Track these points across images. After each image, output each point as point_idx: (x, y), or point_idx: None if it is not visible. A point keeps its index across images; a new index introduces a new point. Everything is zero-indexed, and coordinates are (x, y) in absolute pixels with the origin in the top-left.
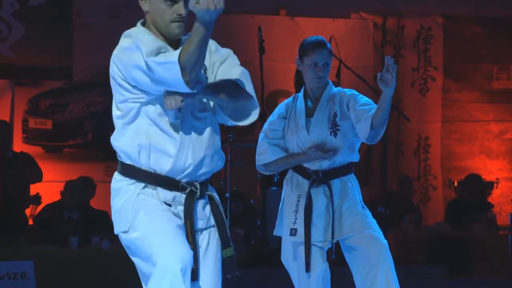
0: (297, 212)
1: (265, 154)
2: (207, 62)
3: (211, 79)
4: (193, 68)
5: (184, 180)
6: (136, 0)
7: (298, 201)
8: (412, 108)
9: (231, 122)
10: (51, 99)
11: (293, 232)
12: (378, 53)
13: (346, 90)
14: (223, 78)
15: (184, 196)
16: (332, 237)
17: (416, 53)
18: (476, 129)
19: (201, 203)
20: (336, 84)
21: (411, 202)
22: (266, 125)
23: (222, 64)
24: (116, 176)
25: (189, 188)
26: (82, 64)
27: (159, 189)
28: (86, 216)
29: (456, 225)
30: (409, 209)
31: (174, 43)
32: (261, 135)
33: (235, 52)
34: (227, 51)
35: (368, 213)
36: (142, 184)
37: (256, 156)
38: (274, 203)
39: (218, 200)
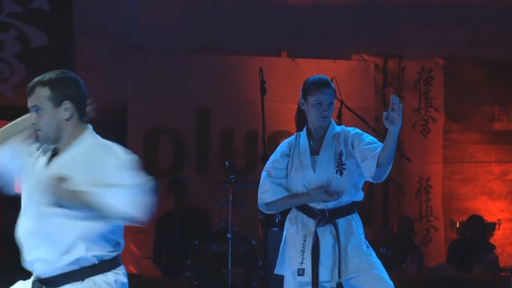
0: (304, 252)
1: (267, 193)
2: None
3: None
4: None
5: None
6: (139, 42)
7: (305, 240)
8: (413, 149)
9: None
10: None
11: (301, 272)
12: (379, 94)
13: (349, 128)
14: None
15: None
16: (339, 277)
17: (417, 94)
18: (478, 170)
19: None
20: (338, 125)
21: (413, 243)
22: (269, 164)
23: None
24: None
25: None
26: None
27: None
28: None
29: (458, 266)
30: (411, 250)
31: None
32: (263, 174)
33: (236, 93)
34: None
35: (373, 253)
36: None
37: (259, 195)
38: (275, 243)
39: None
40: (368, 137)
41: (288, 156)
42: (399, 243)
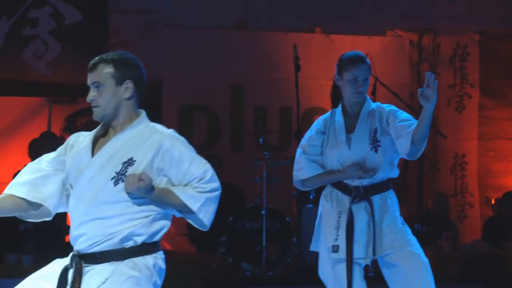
0: (339, 228)
1: (303, 170)
2: (146, 157)
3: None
4: None
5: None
6: (173, 19)
7: (339, 217)
8: (448, 126)
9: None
10: (88, 116)
11: (335, 249)
12: (414, 71)
13: (385, 105)
14: (183, 199)
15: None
16: (374, 254)
17: (452, 70)
18: None
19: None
20: (372, 101)
21: (448, 219)
22: (304, 141)
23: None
24: None
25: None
26: None
27: None
28: None
29: (493, 243)
30: (446, 227)
31: None
32: (298, 150)
33: (271, 70)
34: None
35: (408, 229)
36: None
37: (294, 172)
38: (310, 220)
39: None
40: (403, 114)
41: (324, 133)
42: (434, 219)
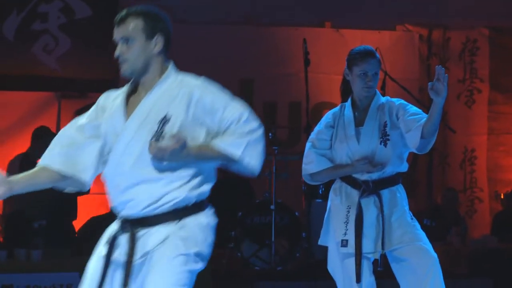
0: (348, 223)
1: (312, 164)
2: (180, 112)
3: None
4: None
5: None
6: (183, 14)
7: (348, 212)
8: (458, 120)
9: None
10: None
11: (344, 243)
12: (423, 65)
13: (394, 99)
14: (222, 149)
15: None
16: (382, 248)
17: (462, 65)
18: None
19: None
20: (382, 96)
21: (458, 214)
22: (313, 134)
23: (225, 131)
24: None
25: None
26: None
27: None
28: None
29: (503, 237)
30: (455, 222)
31: None
32: (308, 144)
33: (280, 65)
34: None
35: (417, 224)
36: None
37: (303, 165)
38: (319, 215)
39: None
40: (413, 108)
41: (333, 127)
42: (443, 214)
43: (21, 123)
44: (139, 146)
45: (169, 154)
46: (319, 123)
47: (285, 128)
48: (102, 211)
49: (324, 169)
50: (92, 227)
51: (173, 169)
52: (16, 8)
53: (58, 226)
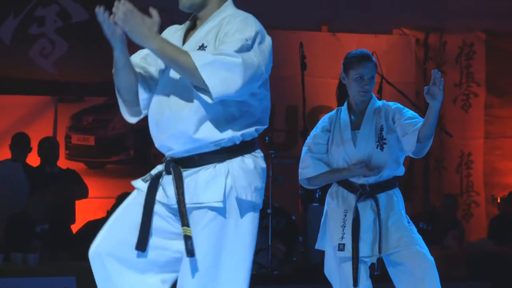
0: (345, 227)
1: (308, 168)
2: (212, 40)
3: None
4: None
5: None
6: (181, 15)
7: (345, 215)
8: (454, 124)
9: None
10: (93, 115)
11: (341, 247)
12: (420, 69)
13: (391, 103)
14: (187, 55)
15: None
16: (379, 252)
17: (458, 69)
18: None
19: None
20: (378, 99)
21: (455, 218)
22: (309, 139)
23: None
24: None
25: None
26: None
27: None
28: None
29: (499, 241)
30: (452, 225)
31: None
32: (304, 149)
33: (277, 68)
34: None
35: (413, 228)
36: None
37: (299, 170)
38: (316, 219)
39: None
40: (409, 112)
41: (329, 131)
42: (440, 218)
43: (18, 127)
44: (183, 81)
45: (122, 17)
46: (315, 127)
47: (281, 131)
48: (100, 215)
49: (321, 173)
50: (89, 231)
51: (217, 105)
52: (13, 12)
53: (58, 230)
